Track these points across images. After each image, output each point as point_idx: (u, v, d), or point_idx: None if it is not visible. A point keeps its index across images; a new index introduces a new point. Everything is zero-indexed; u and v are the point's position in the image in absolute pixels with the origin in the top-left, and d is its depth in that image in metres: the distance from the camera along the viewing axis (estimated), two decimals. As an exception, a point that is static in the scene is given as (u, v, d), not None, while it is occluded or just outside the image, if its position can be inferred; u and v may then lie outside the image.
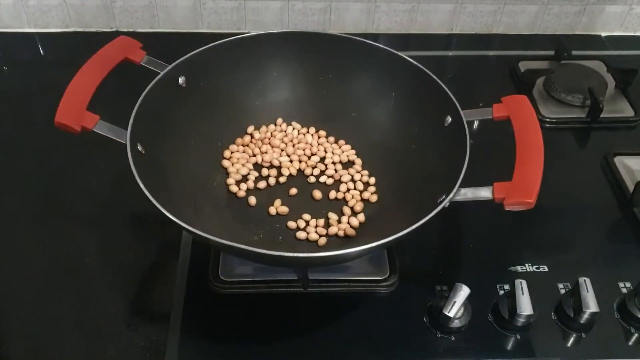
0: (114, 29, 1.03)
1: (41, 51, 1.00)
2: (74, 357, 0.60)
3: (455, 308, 0.60)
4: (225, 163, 0.75)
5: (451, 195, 0.57)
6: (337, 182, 0.75)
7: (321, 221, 0.70)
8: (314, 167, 0.76)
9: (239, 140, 0.78)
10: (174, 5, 1.00)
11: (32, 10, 0.99)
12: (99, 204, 0.75)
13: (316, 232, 0.69)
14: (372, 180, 0.75)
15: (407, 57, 0.73)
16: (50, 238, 0.71)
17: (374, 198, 0.73)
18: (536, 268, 0.69)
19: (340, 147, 0.79)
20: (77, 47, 0.98)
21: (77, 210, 0.75)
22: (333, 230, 0.69)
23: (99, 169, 0.78)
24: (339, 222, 0.70)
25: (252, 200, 0.72)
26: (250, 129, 0.79)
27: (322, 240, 0.68)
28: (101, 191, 0.76)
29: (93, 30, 1.02)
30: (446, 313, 0.60)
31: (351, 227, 0.69)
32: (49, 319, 0.63)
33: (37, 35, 1.01)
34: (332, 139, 0.80)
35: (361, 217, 0.71)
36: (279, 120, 0.80)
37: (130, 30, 1.03)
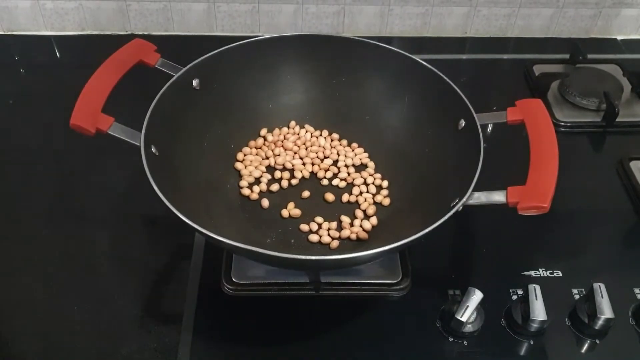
0: (129, 32, 1.03)
1: (57, 54, 1.01)
2: (87, 358, 0.60)
3: (468, 312, 0.60)
4: (238, 165, 0.75)
5: (464, 199, 0.57)
6: (350, 185, 0.75)
7: (334, 224, 0.70)
8: (326, 170, 0.76)
9: (252, 143, 0.78)
10: (188, 9, 1.01)
11: (48, 14, 1.00)
12: (113, 206, 0.75)
13: (329, 234, 0.69)
14: (385, 183, 0.75)
15: (420, 61, 0.73)
16: (65, 239, 0.72)
17: (386, 201, 0.73)
18: (550, 273, 0.68)
19: (353, 150, 0.79)
20: (92, 49, 0.98)
21: (91, 212, 0.75)
22: (345, 233, 0.69)
23: (113, 171, 0.79)
24: (352, 225, 0.70)
25: (265, 202, 0.72)
26: (263, 131, 0.79)
27: (335, 243, 0.68)
28: (115, 193, 0.77)
29: (108, 33, 1.03)
30: (459, 317, 0.60)
31: (364, 230, 0.69)
32: (62, 319, 0.63)
33: (53, 38, 1.02)
34: (344, 141, 0.80)
35: (374, 220, 0.70)
36: (292, 123, 0.80)
37: (145, 33, 1.03)
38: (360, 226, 0.70)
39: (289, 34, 0.78)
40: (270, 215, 0.71)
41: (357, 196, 0.73)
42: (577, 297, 0.66)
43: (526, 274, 0.68)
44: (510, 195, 0.56)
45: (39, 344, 0.62)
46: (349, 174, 0.76)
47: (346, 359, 0.61)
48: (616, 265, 0.70)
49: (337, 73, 0.79)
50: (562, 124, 0.88)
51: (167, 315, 0.64)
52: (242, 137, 0.77)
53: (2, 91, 0.92)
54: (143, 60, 0.69)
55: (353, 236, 0.69)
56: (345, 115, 0.80)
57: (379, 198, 0.73)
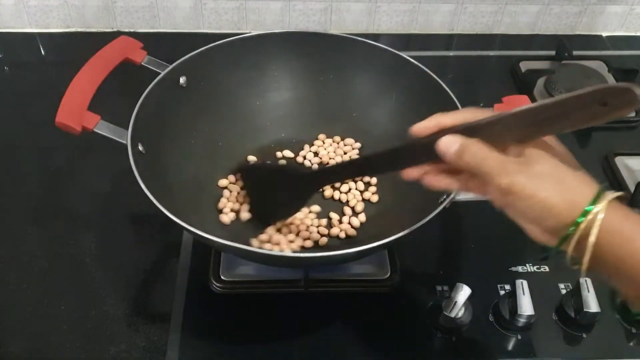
0: (115, 29, 1.03)
1: (42, 51, 1.00)
2: (75, 357, 0.60)
3: (456, 308, 0.60)
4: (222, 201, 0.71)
5: (452, 196, 0.57)
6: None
7: (323, 221, 0.70)
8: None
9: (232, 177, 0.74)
10: (174, 6, 1.01)
11: (33, 11, 0.99)
12: (100, 204, 0.75)
13: (318, 232, 0.69)
14: (374, 180, 0.75)
15: (408, 57, 0.73)
16: (51, 238, 0.71)
17: (374, 198, 0.73)
18: (537, 268, 0.69)
19: (343, 144, 0.78)
20: (78, 47, 0.97)
21: (78, 211, 0.75)
22: (334, 231, 0.69)
23: (99, 169, 0.79)
24: (340, 222, 0.70)
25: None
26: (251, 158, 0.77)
27: (323, 240, 0.68)
28: (102, 191, 0.76)
29: (94, 30, 1.02)
30: (447, 313, 0.60)
31: (352, 227, 0.69)
32: (49, 319, 0.63)
33: (38, 35, 1.01)
34: (337, 138, 0.80)
35: (362, 217, 0.71)
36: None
37: (131, 30, 1.03)
38: (349, 223, 0.70)
39: (276, 31, 0.77)
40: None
41: (345, 193, 0.73)
42: (563, 291, 0.66)
43: (513, 269, 0.69)
44: (498, 191, 0.57)
45: (26, 345, 0.61)
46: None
47: (335, 356, 0.61)
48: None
49: (324, 70, 0.79)
50: (549, 120, 0.89)
51: (155, 314, 0.64)
52: (229, 135, 0.77)
53: (-14, 89, 0.92)
54: (129, 57, 0.69)
55: (342, 234, 0.69)
56: (332, 112, 0.80)
57: (367, 195, 0.73)
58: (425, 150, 0.46)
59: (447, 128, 0.45)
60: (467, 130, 0.44)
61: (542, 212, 0.42)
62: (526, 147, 0.43)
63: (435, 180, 0.48)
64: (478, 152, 0.43)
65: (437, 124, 0.46)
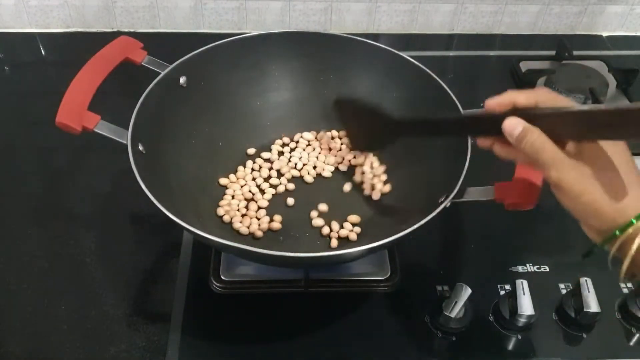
0: (115, 29, 1.03)
1: (42, 51, 1.00)
2: (75, 357, 0.60)
3: (456, 308, 0.60)
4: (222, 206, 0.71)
5: (452, 196, 0.57)
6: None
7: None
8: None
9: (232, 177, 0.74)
10: (175, 6, 1.00)
11: (33, 11, 0.99)
12: (100, 204, 0.75)
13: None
14: (378, 179, 0.75)
15: (408, 57, 0.73)
16: (51, 238, 0.71)
17: (376, 196, 0.73)
18: (537, 268, 0.69)
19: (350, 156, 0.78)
20: (78, 47, 0.97)
21: (79, 210, 0.75)
22: (343, 232, 0.68)
23: (100, 169, 0.79)
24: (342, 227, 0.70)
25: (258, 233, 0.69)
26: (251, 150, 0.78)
27: (334, 242, 0.67)
28: (102, 191, 0.76)
29: (94, 30, 1.02)
30: (447, 313, 0.60)
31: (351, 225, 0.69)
32: (49, 319, 0.63)
33: (38, 35, 1.01)
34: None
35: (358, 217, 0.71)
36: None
37: (131, 30, 1.03)
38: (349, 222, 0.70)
39: (276, 31, 0.77)
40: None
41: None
42: (564, 291, 0.66)
43: (514, 269, 0.69)
44: (498, 191, 0.57)
45: (26, 345, 0.61)
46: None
47: (336, 356, 0.61)
48: (602, 260, 0.71)
49: (324, 70, 0.79)
50: (549, 120, 0.89)
51: (155, 314, 0.64)
52: (229, 135, 0.77)
53: (-14, 89, 0.92)
54: (129, 57, 0.69)
55: (344, 232, 0.69)
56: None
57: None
58: (495, 125, 0.47)
59: (519, 107, 0.46)
60: (532, 116, 0.45)
61: (586, 212, 0.44)
62: (585, 145, 0.44)
63: (504, 150, 0.49)
64: (536, 141, 0.44)
65: (510, 101, 0.47)
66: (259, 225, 0.69)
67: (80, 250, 0.69)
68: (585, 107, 0.43)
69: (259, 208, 0.71)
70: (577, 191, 0.43)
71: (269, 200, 0.72)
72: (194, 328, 0.62)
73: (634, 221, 0.41)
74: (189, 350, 0.61)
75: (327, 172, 0.76)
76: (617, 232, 0.42)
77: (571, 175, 0.43)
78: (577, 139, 0.45)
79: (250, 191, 0.73)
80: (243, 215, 0.70)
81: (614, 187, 0.42)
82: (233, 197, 0.72)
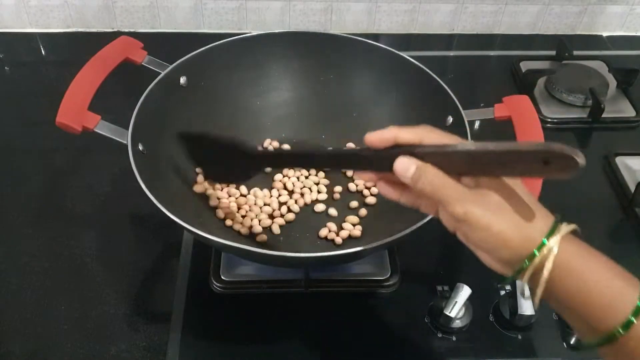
0: (115, 29, 1.03)
1: (42, 51, 1.00)
2: (75, 357, 0.60)
3: (456, 308, 0.60)
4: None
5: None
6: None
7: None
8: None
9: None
10: (175, 6, 1.01)
11: (33, 11, 0.99)
12: (101, 204, 0.75)
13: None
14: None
15: (408, 57, 0.73)
16: (52, 238, 0.71)
17: (372, 200, 0.73)
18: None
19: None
20: (78, 47, 0.98)
21: (79, 210, 0.75)
22: (344, 233, 0.68)
23: (100, 169, 0.79)
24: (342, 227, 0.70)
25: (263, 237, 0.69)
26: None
27: (339, 240, 0.68)
28: (102, 191, 0.76)
29: (94, 30, 1.02)
30: (447, 313, 0.60)
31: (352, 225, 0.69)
32: (50, 319, 0.63)
33: (38, 35, 1.01)
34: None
35: (361, 214, 0.71)
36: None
37: (132, 30, 1.03)
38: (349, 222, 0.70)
39: (276, 31, 0.77)
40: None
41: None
42: (564, 291, 0.66)
43: (514, 269, 0.69)
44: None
45: (27, 344, 0.61)
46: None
47: (336, 356, 0.61)
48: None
49: (324, 70, 0.79)
50: (549, 119, 0.89)
51: (156, 314, 0.64)
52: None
53: (-14, 89, 0.92)
54: (129, 57, 0.69)
55: (344, 233, 0.69)
56: (333, 112, 0.80)
57: (367, 194, 0.73)
58: (381, 162, 0.45)
59: (403, 144, 0.44)
60: (418, 154, 0.43)
61: (496, 244, 0.41)
62: (481, 177, 0.42)
63: (387, 190, 0.47)
64: (435, 179, 0.42)
65: (393, 138, 0.44)
66: (260, 222, 0.69)
67: (81, 250, 0.69)
68: (469, 147, 0.41)
69: (259, 207, 0.71)
70: (484, 223, 0.41)
71: (268, 204, 0.72)
72: (194, 328, 0.62)
73: (545, 241, 0.40)
74: (189, 350, 0.61)
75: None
76: (527, 262, 0.40)
77: (477, 209, 0.41)
78: (467, 175, 0.42)
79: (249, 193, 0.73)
80: (243, 217, 0.70)
81: (519, 216, 0.41)
82: (229, 195, 0.72)
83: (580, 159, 0.37)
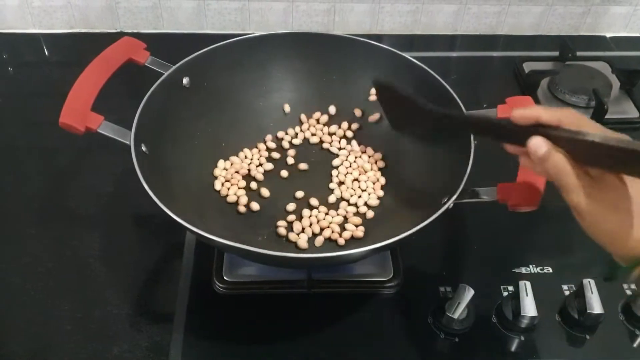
0: (118, 30, 1.03)
1: (46, 52, 1.01)
2: (78, 357, 0.60)
3: (459, 309, 0.60)
4: (220, 188, 0.72)
5: (455, 196, 0.57)
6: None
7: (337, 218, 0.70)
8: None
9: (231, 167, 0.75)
10: (178, 6, 1.01)
11: (36, 12, 1.00)
12: (103, 205, 0.75)
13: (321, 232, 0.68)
14: (378, 183, 0.74)
15: (411, 58, 0.73)
16: (55, 238, 0.71)
17: (374, 202, 0.73)
18: (540, 269, 0.69)
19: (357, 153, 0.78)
20: (81, 48, 0.98)
21: (82, 211, 0.75)
22: (347, 234, 0.68)
23: (103, 170, 0.79)
24: (344, 227, 0.70)
25: (255, 206, 0.71)
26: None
27: (341, 241, 0.67)
28: (105, 191, 0.76)
29: (97, 31, 1.03)
30: (450, 314, 0.60)
31: (355, 226, 0.69)
32: (53, 319, 0.63)
33: (41, 36, 1.02)
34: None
35: (360, 220, 0.71)
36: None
37: (135, 31, 1.03)
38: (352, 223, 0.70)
39: (279, 31, 0.77)
40: (262, 212, 0.71)
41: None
42: (567, 293, 0.66)
43: (517, 270, 0.69)
44: (501, 192, 0.57)
45: (29, 344, 0.61)
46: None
47: (338, 357, 0.61)
48: (605, 261, 0.71)
49: (327, 71, 0.79)
50: (552, 121, 0.89)
51: (158, 315, 0.64)
52: (232, 135, 0.77)
53: (-10, 90, 0.92)
54: (132, 58, 0.69)
55: (347, 234, 0.68)
56: (336, 113, 0.80)
57: (370, 197, 0.73)
58: (518, 135, 0.48)
59: (542, 124, 0.46)
60: (552, 137, 0.45)
61: (604, 239, 0.45)
62: (608, 173, 0.44)
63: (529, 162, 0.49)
64: (559, 163, 0.44)
65: (535, 117, 0.46)
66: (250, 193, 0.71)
67: (83, 250, 0.69)
68: (595, 138, 0.43)
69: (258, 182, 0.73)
70: (595, 219, 0.44)
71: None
72: (196, 328, 0.62)
73: None
74: (191, 350, 0.61)
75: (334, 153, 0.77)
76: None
77: (590, 202, 0.43)
78: (594, 166, 0.44)
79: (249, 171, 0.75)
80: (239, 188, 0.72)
81: (632, 220, 0.43)
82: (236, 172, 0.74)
83: None
